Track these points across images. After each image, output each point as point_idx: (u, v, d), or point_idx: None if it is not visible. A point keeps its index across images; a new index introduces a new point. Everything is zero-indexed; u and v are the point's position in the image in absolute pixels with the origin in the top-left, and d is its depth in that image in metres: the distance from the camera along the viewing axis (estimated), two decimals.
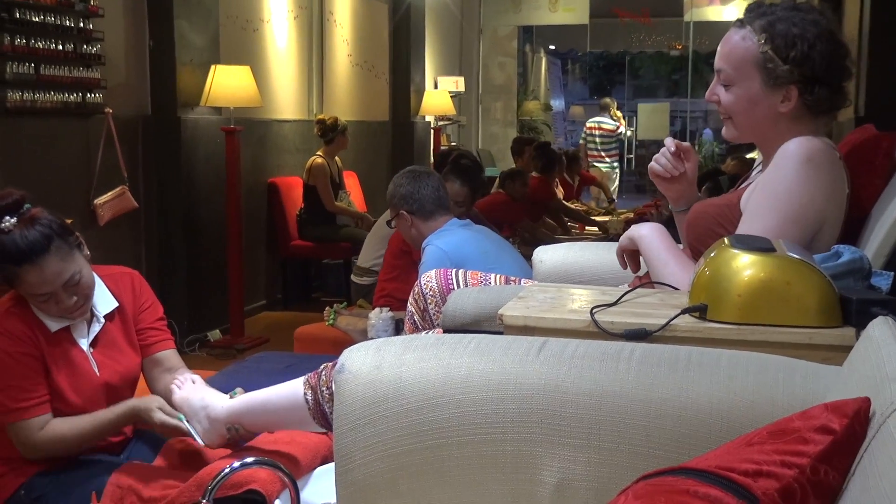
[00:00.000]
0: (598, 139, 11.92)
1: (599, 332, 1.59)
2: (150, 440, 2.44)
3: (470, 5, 11.69)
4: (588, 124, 12.18)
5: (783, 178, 1.89)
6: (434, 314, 2.47)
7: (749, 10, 2.01)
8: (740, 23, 1.99)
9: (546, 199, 6.99)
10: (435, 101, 9.32)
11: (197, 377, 2.32)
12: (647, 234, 2.04)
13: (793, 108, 1.94)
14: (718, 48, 2.03)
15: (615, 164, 12.07)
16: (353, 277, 4.91)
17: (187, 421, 2.19)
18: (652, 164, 2.20)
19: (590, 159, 11.67)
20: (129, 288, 2.42)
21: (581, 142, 12.27)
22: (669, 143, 2.17)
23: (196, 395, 2.21)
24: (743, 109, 1.99)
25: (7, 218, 2.13)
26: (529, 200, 6.72)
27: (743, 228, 1.91)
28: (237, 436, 2.15)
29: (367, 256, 4.83)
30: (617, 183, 12.33)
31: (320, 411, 1.92)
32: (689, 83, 14.05)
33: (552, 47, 18.10)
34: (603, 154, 11.86)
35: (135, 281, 2.45)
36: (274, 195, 6.69)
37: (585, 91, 21.82)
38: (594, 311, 1.64)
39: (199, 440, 2.17)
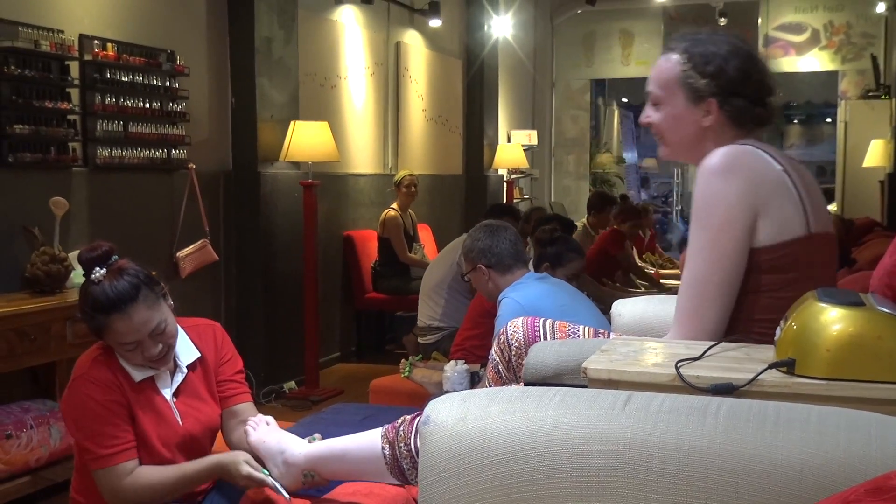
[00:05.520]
0: None
1: (685, 386, 1.58)
2: (228, 490, 2.45)
3: (543, 60, 11.79)
4: None
5: (700, 196, 1.98)
6: (517, 366, 2.46)
7: (675, 38, 2.16)
8: (667, 49, 2.13)
9: (611, 250, 6.87)
10: (508, 154, 9.38)
11: (271, 419, 2.34)
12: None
13: (715, 120, 2.05)
14: (650, 74, 2.16)
15: None
16: (418, 339, 4.94)
17: (271, 475, 2.20)
18: None
19: None
20: (211, 339, 2.47)
21: None
22: None
23: (272, 438, 2.22)
24: (670, 126, 2.11)
25: (97, 269, 2.20)
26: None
27: (688, 252, 2.01)
28: (312, 482, 2.15)
29: (423, 315, 4.87)
30: None
31: (398, 466, 1.93)
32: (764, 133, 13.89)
33: (625, 100, 18.10)
34: None
35: (217, 333, 2.49)
36: (349, 248, 6.78)
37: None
38: (679, 364, 1.63)
39: (285, 495, 2.16)
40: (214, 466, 2.26)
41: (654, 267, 7.68)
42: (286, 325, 5.66)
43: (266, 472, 2.19)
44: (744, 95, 2.04)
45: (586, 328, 2.57)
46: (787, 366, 1.58)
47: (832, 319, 1.56)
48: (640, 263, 7.40)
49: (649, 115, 2.15)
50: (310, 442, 2.19)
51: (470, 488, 1.43)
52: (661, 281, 6.97)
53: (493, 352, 2.57)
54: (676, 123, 2.09)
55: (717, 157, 1.97)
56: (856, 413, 1.37)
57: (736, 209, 1.93)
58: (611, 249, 6.78)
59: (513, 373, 2.49)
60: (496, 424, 1.43)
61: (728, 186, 1.93)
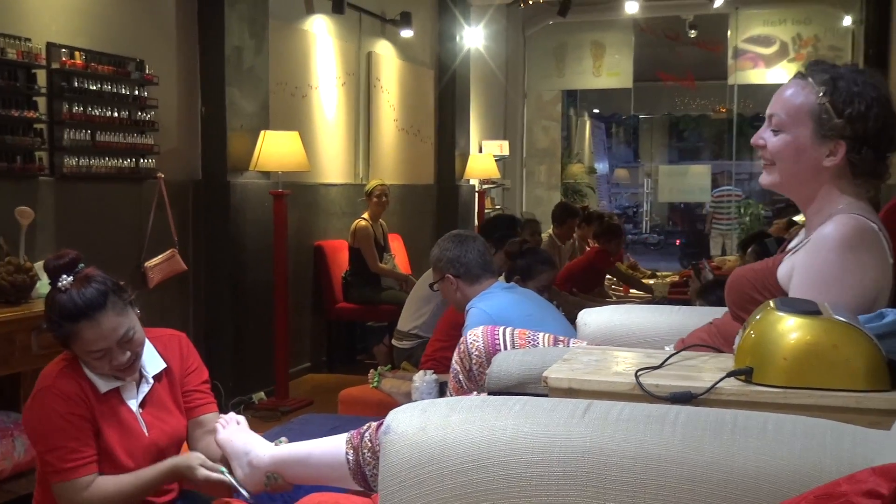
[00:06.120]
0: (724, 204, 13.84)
1: (644, 394, 1.59)
2: (196, 501, 2.45)
3: (514, 70, 11.84)
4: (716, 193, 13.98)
5: (830, 266, 1.88)
6: (478, 375, 2.46)
7: (812, 64, 2.04)
8: (801, 75, 2.02)
9: (599, 266, 7.01)
10: (479, 164, 9.40)
11: (242, 419, 2.33)
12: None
13: (837, 163, 1.94)
14: (774, 95, 2.04)
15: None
16: (394, 342, 4.94)
17: (229, 472, 2.19)
18: None
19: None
20: (176, 350, 2.46)
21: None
22: None
23: (240, 439, 2.22)
24: (788, 156, 1.99)
25: (64, 277, 2.19)
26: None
27: None
28: (275, 485, 2.15)
29: (406, 321, 4.86)
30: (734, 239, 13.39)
31: (360, 472, 1.92)
32: (733, 146, 14.07)
33: (596, 111, 18.21)
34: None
35: (182, 343, 2.49)
36: (320, 258, 6.76)
37: (630, 154, 21.85)
38: (639, 373, 1.65)
39: (243, 492, 2.16)
40: (170, 469, 2.26)
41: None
42: (255, 336, 5.63)
43: (223, 470, 2.19)
44: (874, 147, 1.93)
45: (546, 335, 2.58)
46: (746, 374, 1.60)
47: (789, 328, 1.58)
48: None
49: (764, 138, 2.03)
50: (276, 444, 2.18)
51: (430, 497, 1.43)
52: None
53: (453, 361, 2.56)
54: (796, 154, 1.97)
55: (848, 230, 1.88)
56: (812, 421, 1.39)
57: (863, 294, 1.86)
58: (598, 266, 6.94)
59: (474, 382, 2.49)
60: (456, 434, 1.44)
61: (862, 265, 1.87)
